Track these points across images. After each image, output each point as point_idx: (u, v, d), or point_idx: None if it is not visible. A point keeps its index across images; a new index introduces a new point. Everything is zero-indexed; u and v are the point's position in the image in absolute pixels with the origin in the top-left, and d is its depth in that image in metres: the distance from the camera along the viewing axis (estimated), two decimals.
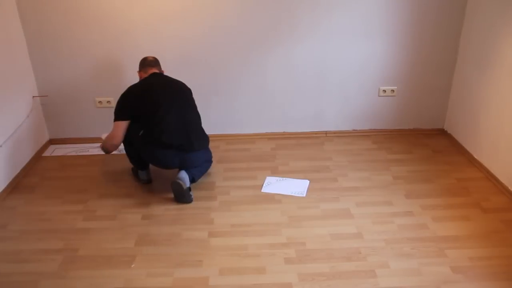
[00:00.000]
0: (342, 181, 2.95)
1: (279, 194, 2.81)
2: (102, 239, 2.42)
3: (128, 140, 2.79)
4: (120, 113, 2.73)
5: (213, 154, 3.36)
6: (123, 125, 2.71)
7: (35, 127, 3.34)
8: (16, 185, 2.96)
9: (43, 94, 3.36)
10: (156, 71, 2.86)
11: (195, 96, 3.46)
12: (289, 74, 3.40)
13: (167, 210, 2.66)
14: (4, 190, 2.83)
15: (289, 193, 2.81)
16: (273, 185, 2.91)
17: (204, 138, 2.85)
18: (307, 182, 2.94)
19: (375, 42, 3.30)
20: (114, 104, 3.44)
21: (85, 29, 3.16)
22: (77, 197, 2.81)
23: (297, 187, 2.88)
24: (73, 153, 3.41)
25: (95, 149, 3.46)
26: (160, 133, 2.63)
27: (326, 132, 3.63)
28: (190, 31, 3.22)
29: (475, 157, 3.12)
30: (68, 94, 3.38)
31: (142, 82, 2.82)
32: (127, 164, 3.22)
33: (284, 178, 2.99)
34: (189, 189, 2.71)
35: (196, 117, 2.84)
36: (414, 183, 2.91)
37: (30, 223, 2.57)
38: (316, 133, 3.63)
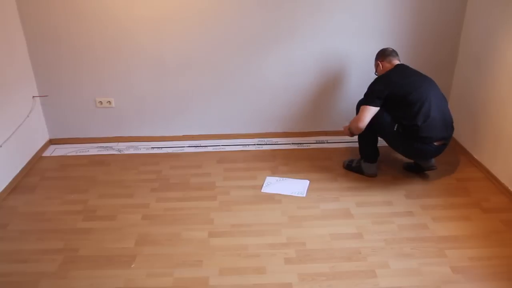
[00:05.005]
0: (342, 181, 2.95)
1: (279, 194, 2.81)
2: (102, 239, 2.42)
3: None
4: None
5: (213, 154, 3.37)
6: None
7: (35, 127, 3.34)
8: (16, 185, 2.96)
9: (43, 94, 3.36)
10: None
11: (195, 96, 3.47)
12: (289, 74, 3.40)
13: (167, 210, 2.66)
14: (4, 190, 2.83)
15: (289, 193, 2.81)
16: (273, 185, 2.91)
17: None
18: (307, 182, 2.94)
19: (375, 42, 3.29)
20: (114, 104, 3.44)
21: (85, 29, 3.16)
22: (77, 197, 2.81)
23: (297, 187, 2.88)
24: (73, 153, 3.41)
25: (95, 149, 3.46)
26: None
27: (326, 132, 3.63)
28: (190, 31, 3.22)
29: (475, 157, 3.12)
30: (68, 94, 3.38)
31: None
32: (127, 163, 3.23)
33: (284, 178, 2.99)
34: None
35: None
36: (414, 183, 2.91)
37: (30, 223, 2.56)
38: (316, 132, 3.63)
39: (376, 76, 2.92)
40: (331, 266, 2.18)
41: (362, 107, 2.77)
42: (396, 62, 2.89)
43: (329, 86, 3.46)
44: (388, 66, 2.89)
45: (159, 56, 3.29)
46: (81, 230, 2.49)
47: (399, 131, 2.72)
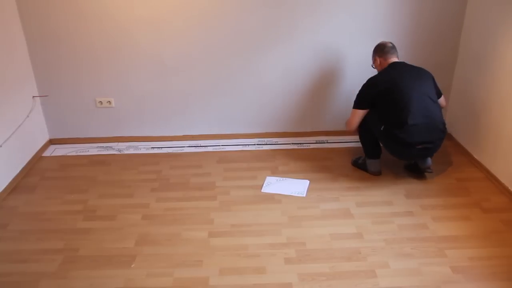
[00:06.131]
0: (342, 181, 2.95)
1: (279, 194, 2.81)
2: (102, 239, 2.42)
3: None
4: None
5: (213, 154, 3.37)
6: None
7: (35, 127, 3.34)
8: (16, 185, 2.96)
9: (43, 94, 3.36)
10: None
11: (195, 96, 3.45)
12: (289, 74, 3.40)
13: (167, 210, 2.66)
14: (4, 190, 2.83)
15: (289, 193, 2.81)
16: (273, 185, 2.91)
17: None
18: (307, 182, 2.94)
19: (375, 42, 3.28)
20: (114, 104, 3.44)
21: (85, 29, 3.16)
22: (77, 197, 2.81)
23: (297, 187, 2.88)
24: (73, 153, 3.41)
25: (95, 149, 3.46)
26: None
27: (326, 132, 3.63)
28: (190, 31, 3.22)
29: (475, 157, 3.12)
30: (68, 94, 3.38)
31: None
32: (127, 163, 3.23)
33: (284, 178, 2.99)
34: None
35: None
36: (414, 183, 2.91)
37: (30, 223, 2.56)
38: (316, 132, 3.63)
39: (373, 69, 3.00)
40: (331, 266, 2.18)
41: (352, 111, 2.93)
42: (393, 59, 2.89)
43: (329, 86, 3.46)
44: (384, 63, 2.90)
45: (159, 56, 3.29)
46: (81, 230, 2.49)
47: (383, 129, 2.78)
